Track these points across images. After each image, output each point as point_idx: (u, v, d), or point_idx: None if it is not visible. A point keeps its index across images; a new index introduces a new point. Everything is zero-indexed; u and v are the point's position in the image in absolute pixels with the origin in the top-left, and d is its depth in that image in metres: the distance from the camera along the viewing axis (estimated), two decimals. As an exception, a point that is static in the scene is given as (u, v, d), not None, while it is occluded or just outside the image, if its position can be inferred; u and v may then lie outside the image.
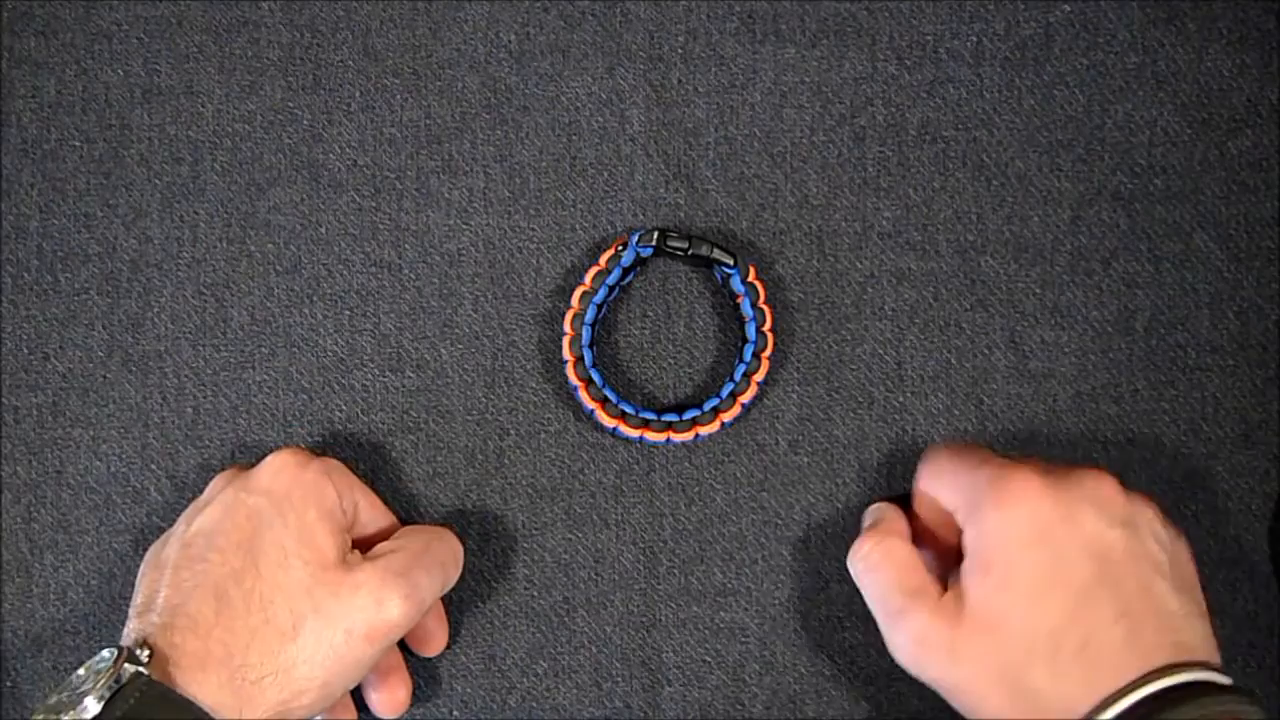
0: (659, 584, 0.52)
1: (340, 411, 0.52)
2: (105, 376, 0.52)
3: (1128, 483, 0.50)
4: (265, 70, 0.53)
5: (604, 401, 0.51)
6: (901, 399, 0.53)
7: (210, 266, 0.52)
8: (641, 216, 0.53)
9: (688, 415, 0.51)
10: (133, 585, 0.46)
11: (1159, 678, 0.40)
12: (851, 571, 0.48)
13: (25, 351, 0.52)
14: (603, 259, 0.51)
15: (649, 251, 0.51)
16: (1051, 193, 0.53)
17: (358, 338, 0.52)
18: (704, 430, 0.51)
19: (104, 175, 0.53)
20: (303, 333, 0.52)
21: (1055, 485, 0.43)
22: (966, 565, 0.44)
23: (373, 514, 0.49)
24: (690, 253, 0.51)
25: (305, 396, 0.52)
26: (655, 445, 0.52)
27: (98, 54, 0.53)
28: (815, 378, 0.53)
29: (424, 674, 0.52)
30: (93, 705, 0.40)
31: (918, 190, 0.53)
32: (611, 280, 0.51)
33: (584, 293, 0.51)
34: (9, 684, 0.51)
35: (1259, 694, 0.41)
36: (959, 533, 0.45)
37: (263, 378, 0.52)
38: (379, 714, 0.49)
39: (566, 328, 0.51)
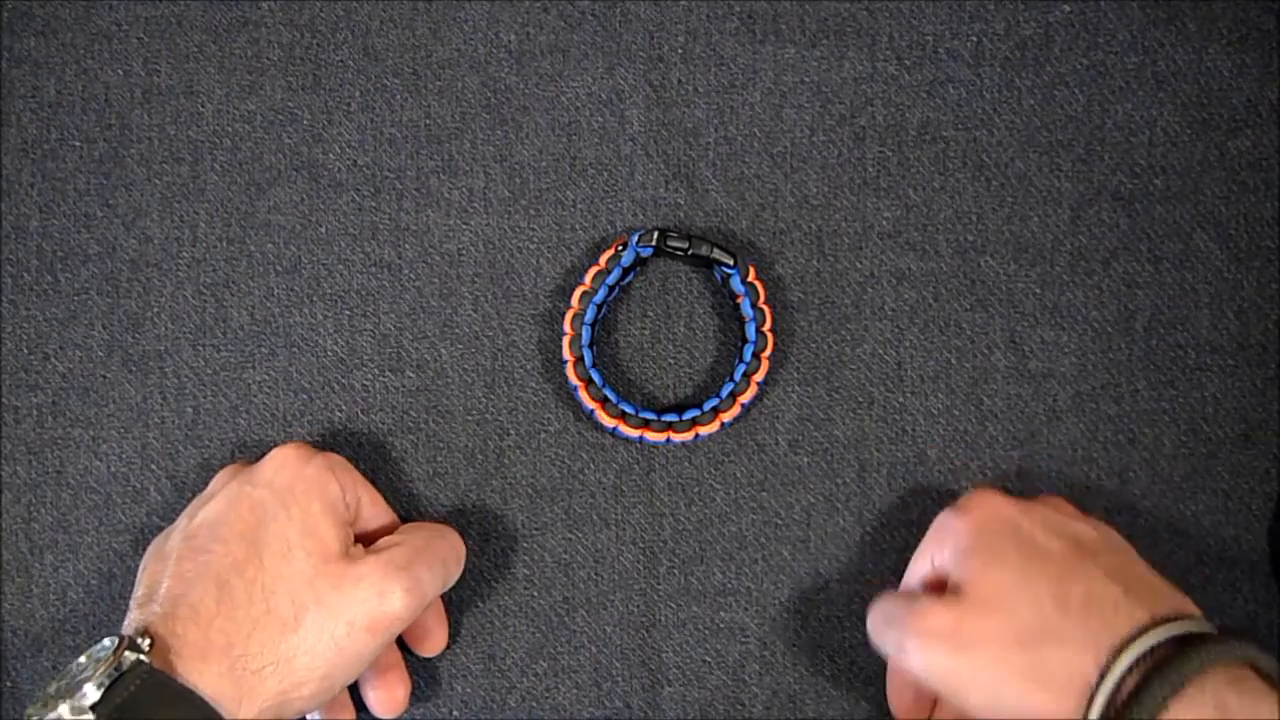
0: (659, 584, 0.52)
1: (340, 411, 0.52)
2: (105, 376, 0.52)
3: (1128, 482, 0.50)
4: (265, 70, 0.53)
5: (604, 401, 0.51)
6: (901, 399, 0.53)
7: (210, 266, 0.52)
8: (641, 216, 0.53)
9: (688, 415, 0.51)
10: (132, 585, 0.46)
11: (1170, 624, 0.40)
12: (870, 633, 0.48)
13: (25, 351, 0.52)
14: (603, 259, 0.51)
15: (649, 251, 0.51)
16: (1051, 193, 0.53)
17: (358, 338, 0.52)
18: (704, 430, 0.51)
19: (104, 175, 0.53)
20: (303, 333, 0.52)
21: (1014, 498, 0.47)
22: (953, 564, 0.45)
23: (374, 510, 0.49)
24: (690, 253, 0.51)
25: (305, 396, 0.52)
26: (655, 445, 0.52)
27: (98, 54, 0.53)
28: (815, 378, 0.53)
29: (424, 674, 0.52)
30: (92, 692, 0.40)
31: (918, 190, 0.53)
32: (611, 280, 0.51)
33: (584, 293, 0.51)
34: (9, 684, 0.51)
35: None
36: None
37: (263, 378, 0.52)
38: (377, 713, 0.49)
39: (566, 328, 0.51)
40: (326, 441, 0.52)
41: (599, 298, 0.51)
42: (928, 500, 0.52)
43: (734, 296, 0.52)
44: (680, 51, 0.53)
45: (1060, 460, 0.52)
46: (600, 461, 0.52)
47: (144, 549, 0.47)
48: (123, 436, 0.52)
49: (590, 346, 0.51)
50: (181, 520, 0.47)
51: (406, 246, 0.53)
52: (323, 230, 0.53)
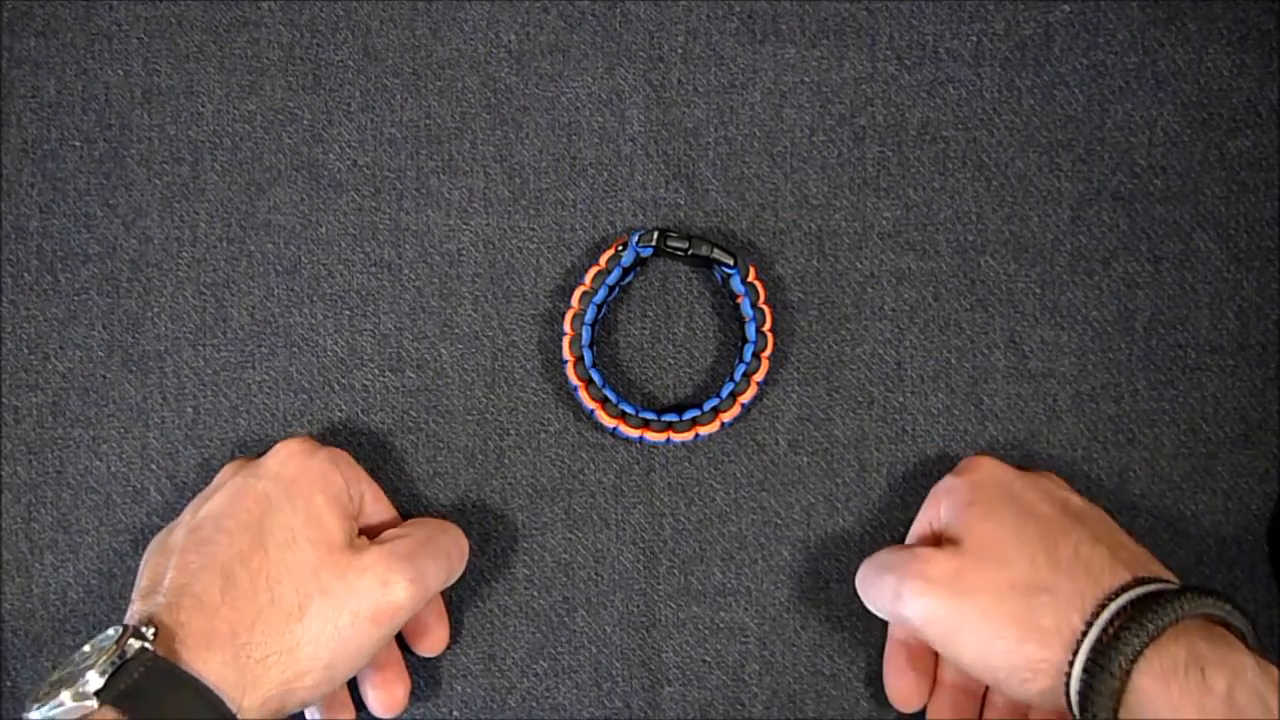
0: (659, 584, 0.52)
1: (340, 411, 0.52)
2: (105, 376, 0.52)
3: (1128, 482, 0.51)
4: (265, 70, 0.53)
5: (604, 401, 0.51)
6: (901, 399, 0.53)
7: (210, 266, 0.52)
8: (641, 216, 0.53)
9: (688, 415, 0.51)
10: (132, 585, 0.46)
11: (1150, 584, 0.42)
12: (862, 584, 0.49)
13: (25, 351, 0.52)
14: (603, 259, 0.51)
15: (649, 251, 0.51)
16: (1051, 193, 0.53)
17: (358, 338, 0.52)
18: (704, 430, 0.51)
19: (104, 175, 0.52)
20: (303, 333, 0.52)
21: (1009, 465, 0.50)
22: (951, 517, 0.47)
23: (377, 507, 0.49)
24: (690, 253, 0.51)
25: (305, 396, 0.52)
26: (655, 445, 0.52)
27: (98, 54, 0.53)
28: (815, 378, 0.53)
29: (424, 674, 0.52)
30: (95, 679, 0.40)
31: (918, 190, 0.53)
32: (611, 280, 0.51)
33: (584, 293, 0.51)
34: (9, 684, 0.51)
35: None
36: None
37: (263, 378, 0.52)
38: (377, 713, 0.49)
39: (566, 328, 0.51)
40: (327, 441, 0.52)
41: (599, 298, 0.51)
42: (928, 500, 0.52)
43: (734, 296, 0.52)
44: (680, 51, 0.53)
45: (1060, 460, 0.52)
46: (600, 461, 0.52)
47: (144, 549, 0.47)
48: (123, 436, 0.52)
49: (590, 346, 0.51)
50: (185, 515, 0.47)
51: (406, 246, 0.53)
52: (323, 230, 0.53)
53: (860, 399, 0.53)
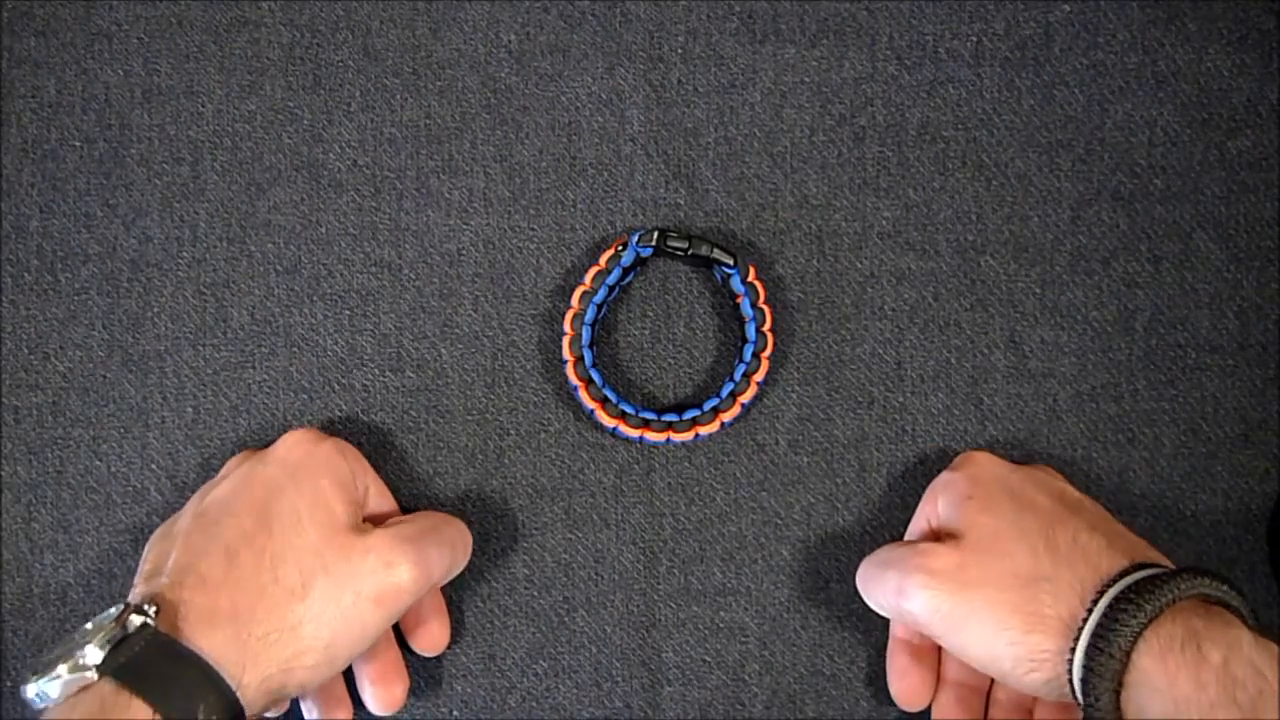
0: (659, 584, 0.52)
1: (340, 411, 0.52)
2: (105, 376, 0.52)
3: (1128, 482, 0.51)
4: (265, 70, 0.53)
5: (604, 401, 0.51)
6: (901, 399, 0.53)
7: (210, 266, 0.52)
8: (641, 216, 0.53)
9: (688, 415, 0.51)
10: (132, 586, 0.46)
11: (1147, 569, 0.43)
12: (863, 582, 0.49)
13: (25, 351, 0.52)
14: (603, 259, 0.51)
15: (649, 251, 0.51)
16: (1051, 193, 0.53)
17: (358, 338, 0.52)
18: (704, 430, 0.51)
19: (104, 175, 0.52)
20: (303, 333, 0.52)
21: (1004, 459, 0.51)
22: (949, 512, 0.48)
23: (380, 500, 0.50)
24: (690, 253, 0.51)
25: (305, 396, 0.52)
26: (655, 445, 0.52)
27: (98, 54, 0.53)
28: (815, 378, 0.53)
29: (424, 674, 0.52)
30: (95, 653, 0.40)
31: (918, 190, 0.53)
32: (611, 280, 0.51)
33: (584, 293, 0.51)
34: (9, 684, 0.51)
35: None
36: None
37: (263, 378, 0.52)
38: (375, 710, 0.49)
39: (566, 328, 0.51)
40: (326, 441, 0.52)
41: (599, 298, 0.51)
42: (928, 500, 0.52)
43: (734, 296, 0.52)
44: (680, 51, 0.53)
45: (1060, 460, 0.52)
46: (600, 461, 0.52)
47: (144, 548, 0.47)
48: (123, 436, 0.52)
49: (590, 346, 0.51)
50: (191, 502, 0.47)
51: (406, 246, 0.53)
52: (323, 230, 0.53)
53: (860, 399, 0.53)
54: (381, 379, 0.52)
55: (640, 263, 0.52)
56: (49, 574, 0.52)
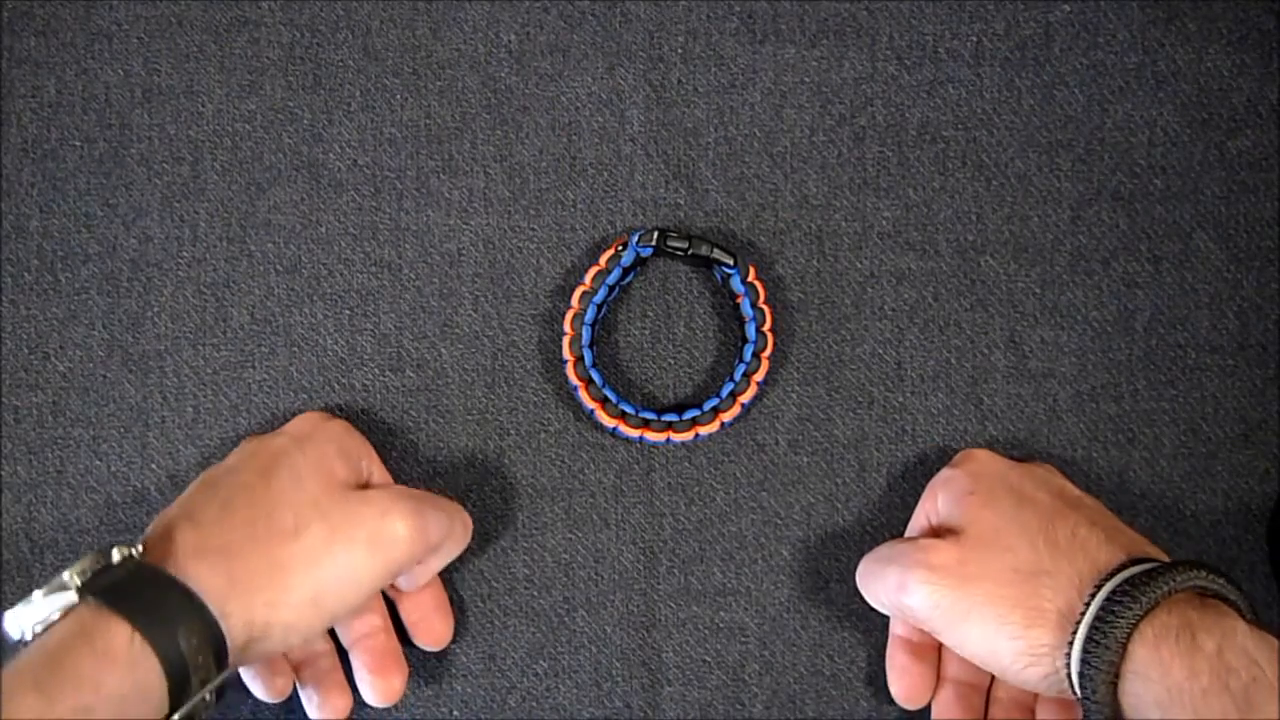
0: (659, 584, 0.52)
1: (340, 411, 0.52)
2: (105, 376, 0.52)
3: (1128, 482, 0.51)
4: (265, 70, 0.53)
5: (604, 401, 0.51)
6: (901, 399, 0.53)
7: (210, 266, 0.52)
8: (641, 216, 0.53)
9: (688, 415, 0.51)
10: None
11: (1145, 563, 0.43)
12: (863, 578, 0.49)
13: (25, 351, 0.52)
14: (603, 259, 0.51)
15: (649, 251, 0.51)
16: (1051, 193, 0.53)
17: (358, 338, 0.52)
18: (704, 430, 0.51)
19: (104, 175, 0.52)
20: (303, 332, 0.52)
21: (1003, 456, 0.51)
22: (949, 508, 0.48)
23: (383, 485, 0.50)
24: (690, 253, 0.51)
25: (305, 396, 0.52)
26: (655, 445, 0.52)
27: (98, 54, 0.53)
28: (815, 378, 0.53)
29: (424, 674, 0.52)
30: (74, 579, 0.40)
31: (918, 190, 0.53)
32: (611, 280, 0.51)
33: (584, 293, 0.51)
34: (9, 684, 0.51)
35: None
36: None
37: (263, 378, 0.52)
38: (373, 701, 0.49)
39: (566, 328, 0.51)
40: (326, 441, 0.52)
41: (599, 298, 0.51)
42: (928, 500, 0.52)
43: (734, 296, 0.52)
44: (680, 51, 0.53)
45: (1060, 460, 0.52)
46: (600, 461, 0.52)
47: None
48: (123, 436, 0.52)
49: (590, 346, 0.51)
50: (198, 479, 0.47)
51: (406, 246, 0.53)
52: (323, 230, 0.53)
53: (860, 399, 0.53)
54: (381, 379, 0.52)
55: (640, 263, 0.52)
56: (49, 574, 0.51)
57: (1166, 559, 0.44)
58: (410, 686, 0.50)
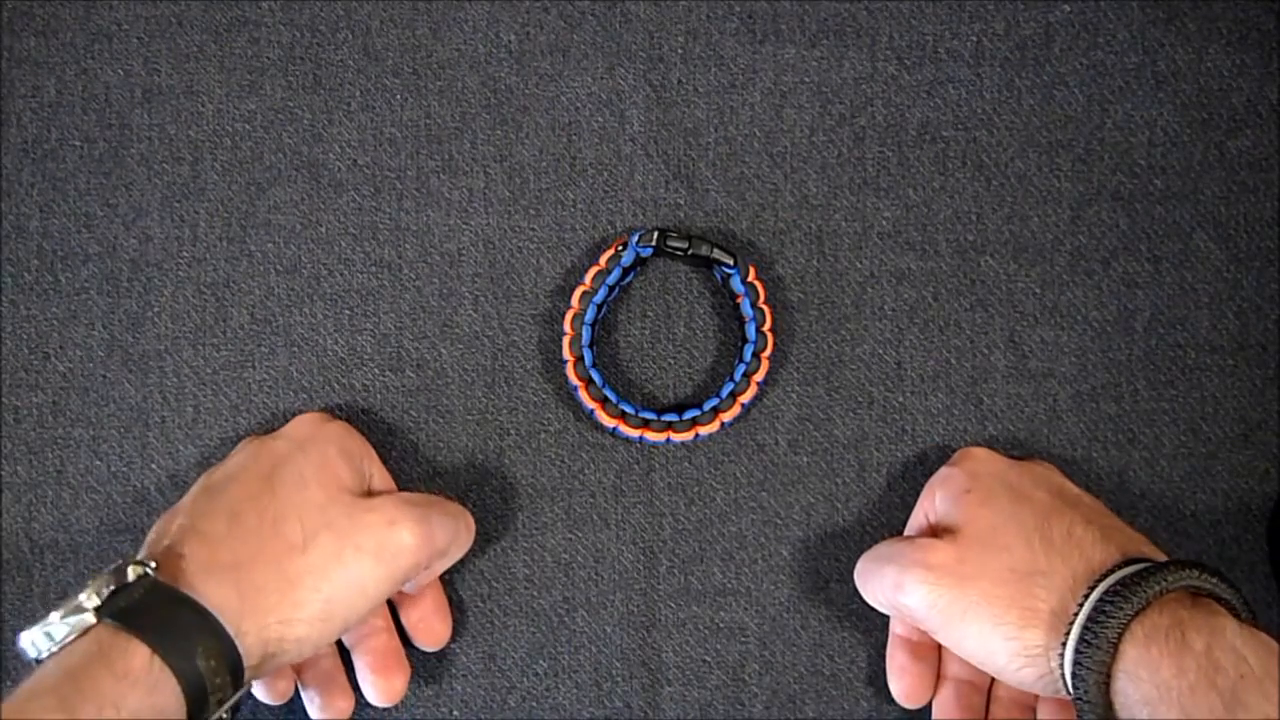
0: (659, 584, 0.52)
1: (340, 412, 0.52)
2: (105, 376, 0.52)
3: (1128, 482, 0.51)
4: (265, 70, 0.53)
5: (604, 401, 0.51)
6: (901, 399, 0.53)
7: (210, 266, 0.52)
8: (641, 216, 0.53)
9: (688, 415, 0.51)
10: None
11: (1140, 563, 0.43)
12: (861, 577, 0.49)
13: (25, 351, 0.52)
14: (603, 259, 0.51)
15: (649, 251, 0.51)
16: (1051, 193, 0.53)
17: (358, 338, 0.52)
18: (704, 430, 0.51)
19: (104, 175, 0.52)
20: (303, 332, 0.52)
21: (1002, 455, 0.51)
22: (947, 507, 0.48)
23: (384, 486, 0.50)
24: (690, 253, 0.51)
25: (305, 396, 0.52)
26: (655, 445, 0.52)
27: (98, 54, 0.53)
28: (815, 378, 0.53)
29: (424, 674, 0.52)
30: (91, 599, 0.40)
31: (918, 190, 0.53)
32: (611, 280, 0.51)
33: (584, 293, 0.51)
34: (9, 684, 0.51)
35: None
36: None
37: (263, 377, 0.52)
38: (375, 701, 0.49)
39: (566, 328, 0.51)
40: (326, 441, 0.52)
41: (599, 298, 0.51)
42: (928, 500, 0.52)
43: (734, 296, 0.52)
44: (680, 51, 0.53)
45: (1060, 460, 0.52)
46: (600, 461, 0.52)
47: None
48: (123, 436, 0.52)
49: (590, 346, 0.51)
50: (199, 481, 0.48)
51: (406, 246, 0.53)
52: (323, 230, 0.53)
53: (860, 399, 0.53)
54: (381, 379, 0.52)
55: (640, 263, 0.52)
56: (49, 574, 0.52)
57: (1163, 558, 0.44)
58: (410, 686, 0.50)
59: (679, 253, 0.51)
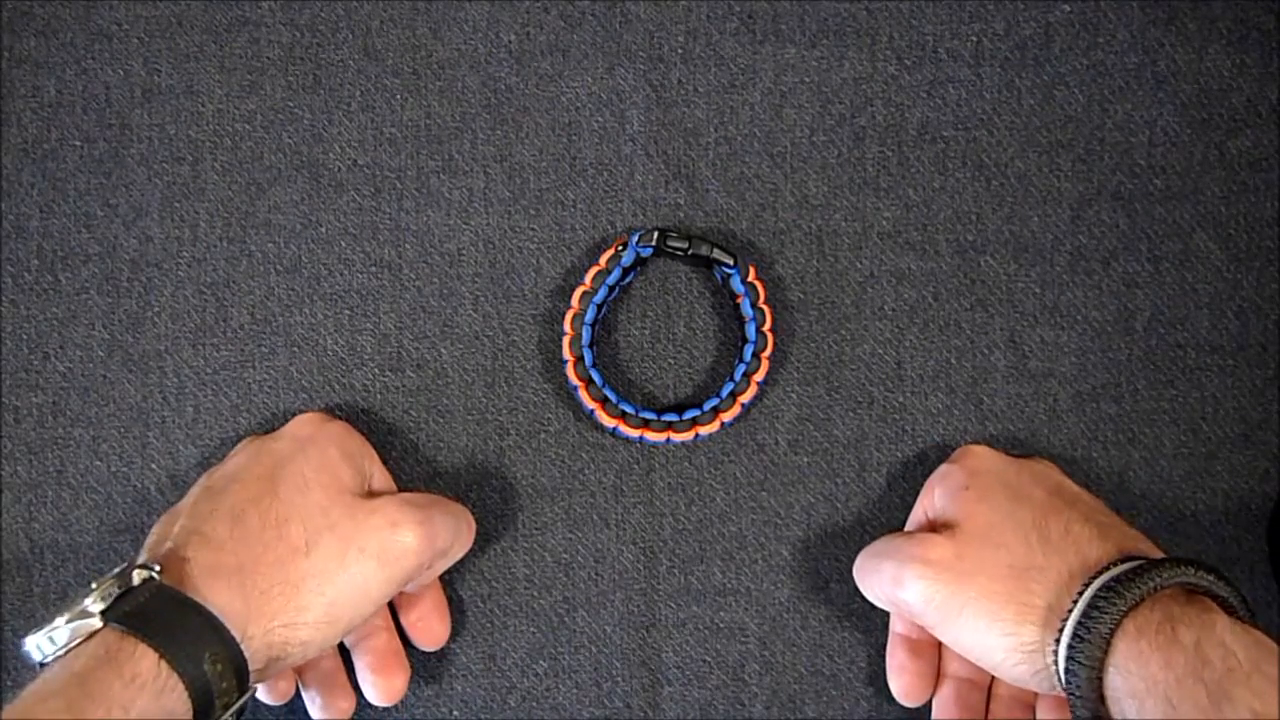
0: (659, 584, 0.52)
1: (340, 412, 0.52)
2: (105, 376, 0.52)
3: (1128, 482, 0.51)
4: (265, 70, 0.53)
5: (604, 401, 0.51)
6: (901, 399, 0.53)
7: (210, 266, 0.52)
8: (641, 216, 0.53)
9: (688, 415, 0.51)
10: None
11: (1136, 560, 0.43)
12: (860, 572, 0.49)
13: (25, 351, 0.52)
14: (603, 259, 0.51)
15: (649, 251, 0.51)
16: (1051, 193, 0.53)
17: (358, 338, 0.52)
18: (704, 430, 0.51)
19: (104, 175, 0.52)
20: (303, 332, 0.52)
21: (1001, 452, 0.51)
22: (946, 503, 0.48)
23: (384, 486, 0.50)
24: (690, 253, 0.51)
25: (305, 396, 0.52)
26: (655, 445, 0.52)
27: (98, 54, 0.53)
28: (815, 378, 0.53)
29: (424, 674, 0.52)
30: (97, 604, 0.40)
31: (918, 190, 0.53)
32: (611, 280, 0.51)
33: (584, 293, 0.51)
34: (9, 683, 0.51)
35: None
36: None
37: (263, 377, 0.52)
38: (375, 701, 0.49)
39: (566, 328, 0.51)
40: (326, 441, 0.52)
41: (599, 298, 0.51)
42: (928, 500, 0.52)
43: (734, 296, 0.52)
44: (680, 51, 0.53)
45: (1060, 460, 0.52)
46: (600, 461, 0.52)
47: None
48: (123, 436, 0.52)
49: (590, 346, 0.51)
50: (199, 482, 0.48)
51: (406, 246, 0.53)
52: (323, 230, 0.53)
53: (860, 399, 0.53)
54: (381, 379, 0.52)
55: (640, 263, 0.52)
56: (49, 574, 0.52)
57: (1161, 555, 0.44)
58: (411, 686, 0.50)
59: (679, 253, 0.51)
